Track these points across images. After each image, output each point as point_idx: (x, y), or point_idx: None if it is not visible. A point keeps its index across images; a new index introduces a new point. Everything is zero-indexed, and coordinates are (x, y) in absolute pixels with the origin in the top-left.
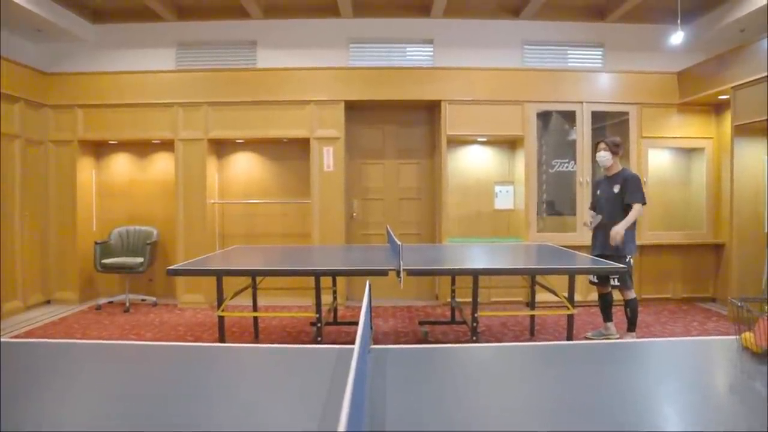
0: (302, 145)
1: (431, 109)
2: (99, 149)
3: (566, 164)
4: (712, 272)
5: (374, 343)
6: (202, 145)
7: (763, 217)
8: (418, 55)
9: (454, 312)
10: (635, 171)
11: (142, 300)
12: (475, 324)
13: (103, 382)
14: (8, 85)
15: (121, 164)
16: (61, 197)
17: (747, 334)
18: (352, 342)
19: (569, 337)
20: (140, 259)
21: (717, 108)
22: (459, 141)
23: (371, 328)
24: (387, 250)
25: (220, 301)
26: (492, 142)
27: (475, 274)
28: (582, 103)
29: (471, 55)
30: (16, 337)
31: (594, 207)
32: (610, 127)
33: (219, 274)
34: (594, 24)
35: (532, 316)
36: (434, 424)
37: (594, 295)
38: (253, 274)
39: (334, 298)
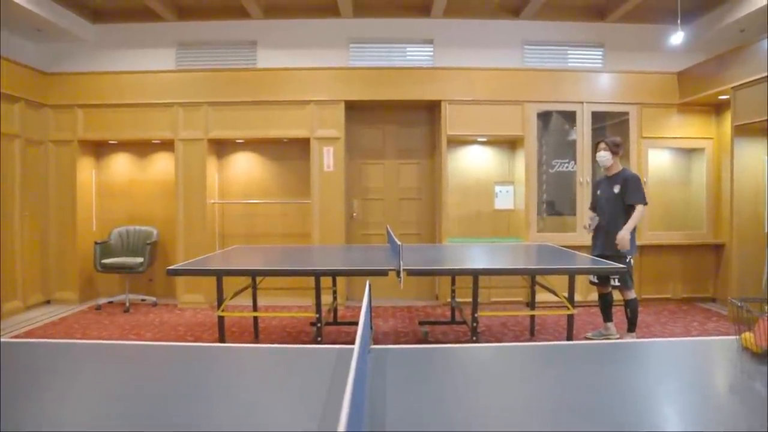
0: (302, 145)
1: (431, 109)
2: (99, 149)
3: (566, 164)
4: (712, 272)
5: (374, 343)
6: (202, 145)
7: (763, 218)
8: (418, 55)
9: (454, 312)
10: (635, 171)
11: (142, 300)
12: (475, 324)
13: (103, 382)
14: (8, 85)
15: (121, 164)
16: (61, 197)
17: (747, 335)
18: (352, 342)
19: (569, 338)
20: (140, 259)
21: (717, 108)
22: (459, 141)
23: (371, 328)
24: (387, 250)
25: (220, 301)
26: (492, 142)
27: (475, 274)
28: (582, 103)
29: (471, 55)
30: (15, 337)
31: (594, 207)
32: (610, 128)
33: (219, 274)
34: (594, 24)
35: (532, 316)
36: (434, 424)
37: (594, 296)
38: (253, 274)
39: (334, 298)
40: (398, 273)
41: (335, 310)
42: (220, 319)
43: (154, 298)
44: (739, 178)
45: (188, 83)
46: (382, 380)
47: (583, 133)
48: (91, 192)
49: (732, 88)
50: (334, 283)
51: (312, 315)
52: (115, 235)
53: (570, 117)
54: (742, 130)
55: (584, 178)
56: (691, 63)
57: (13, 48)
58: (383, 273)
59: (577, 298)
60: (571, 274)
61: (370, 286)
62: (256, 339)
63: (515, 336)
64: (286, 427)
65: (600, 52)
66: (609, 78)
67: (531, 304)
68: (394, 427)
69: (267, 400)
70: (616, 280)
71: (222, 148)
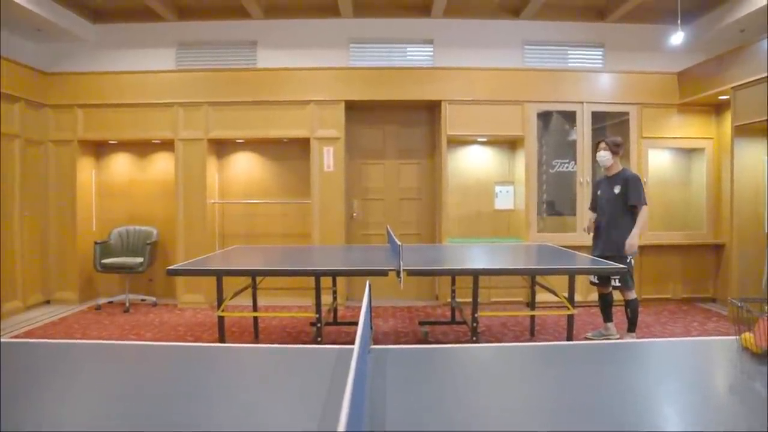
0: (302, 145)
1: (431, 109)
2: (99, 149)
3: (566, 164)
4: (712, 272)
5: (374, 344)
6: (202, 145)
7: (763, 218)
8: (418, 55)
9: (454, 312)
10: (635, 171)
11: (142, 300)
12: (475, 324)
13: (103, 382)
14: (8, 85)
15: (121, 164)
16: (61, 197)
17: (747, 335)
18: (352, 342)
19: (569, 338)
20: (140, 259)
21: (717, 108)
22: (459, 141)
23: (371, 328)
24: (387, 251)
25: (220, 301)
26: (492, 142)
27: (475, 274)
28: (582, 103)
29: (471, 55)
30: (15, 337)
31: (594, 207)
32: (610, 128)
33: (219, 274)
34: (594, 24)
35: (532, 317)
36: (434, 425)
37: (594, 296)
38: (253, 274)
39: (334, 299)
40: (398, 273)
41: (335, 310)
42: (220, 319)
43: (154, 298)
44: (739, 179)
45: (188, 83)
46: (382, 380)
47: (583, 133)
48: (91, 192)
49: (732, 88)
50: (334, 283)
51: (312, 315)
52: (115, 235)
53: (570, 117)
54: (742, 131)
55: (584, 178)
56: (691, 63)
57: (13, 48)
58: (383, 273)
59: (577, 298)
60: (571, 274)
61: (370, 286)
62: (256, 339)
63: (515, 336)
64: (286, 427)
65: (600, 52)
66: (609, 78)
67: (531, 305)
68: (394, 427)
69: (267, 400)
70: (617, 280)
71: (222, 148)
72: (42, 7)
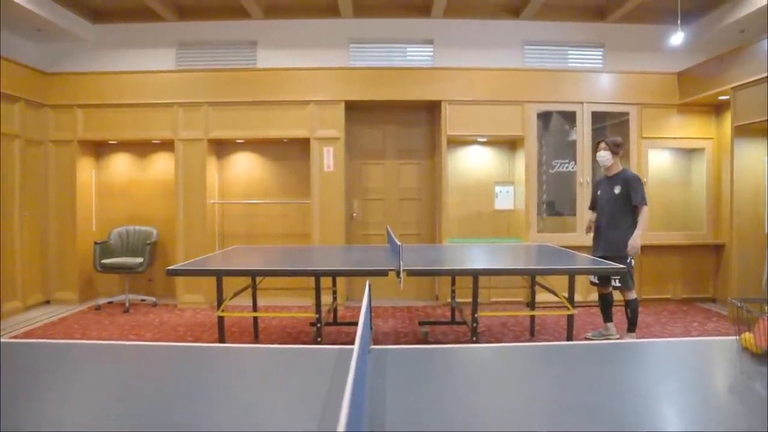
0: (302, 145)
1: (431, 110)
2: (99, 149)
3: (566, 164)
4: (712, 273)
5: (374, 344)
6: (202, 145)
7: (763, 218)
8: (418, 55)
9: (454, 312)
10: (635, 171)
11: (142, 300)
12: (475, 324)
13: (103, 382)
14: (8, 85)
15: (121, 164)
16: (61, 197)
17: (747, 335)
18: (352, 342)
19: (569, 338)
20: (140, 259)
21: (717, 108)
22: (459, 141)
23: (371, 328)
24: (387, 251)
25: (220, 301)
26: (492, 142)
27: (475, 274)
28: (582, 103)
29: (471, 55)
30: (15, 337)
31: (593, 206)
32: (610, 128)
33: (219, 275)
34: (594, 24)
35: (532, 317)
36: (434, 425)
37: (594, 296)
38: (253, 274)
39: (334, 299)
40: (398, 273)
41: (335, 311)
42: (220, 319)
43: (153, 299)
44: (739, 179)
45: (188, 83)
46: (382, 380)
47: (583, 133)
48: (91, 192)
49: (732, 88)
50: (334, 284)
51: (312, 315)
52: (115, 235)
53: (570, 117)
54: (742, 131)
55: (584, 178)
56: (691, 63)
57: (13, 48)
58: (383, 273)
59: (577, 298)
60: (571, 274)
61: (370, 286)
62: (256, 339)
63: (515, 336)
64: (286, 427)
65: (600, 53)
66: (609, 78)
67: (531, 305)
68: (394, 427)
69: (267, 400)
70: (617, 280)
71: (222, 148)
72: (42, 7)
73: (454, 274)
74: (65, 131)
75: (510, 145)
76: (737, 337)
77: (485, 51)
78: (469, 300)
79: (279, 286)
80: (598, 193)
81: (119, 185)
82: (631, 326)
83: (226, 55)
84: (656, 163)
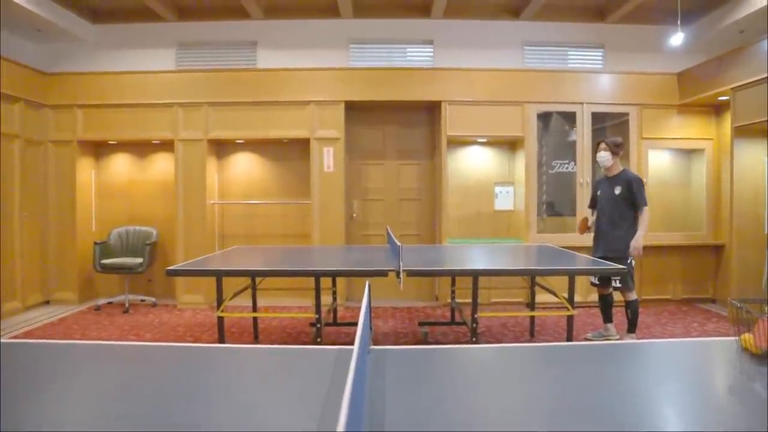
0: (302, 146)
1: (431, 110)
2: (99, 149)
3: (566, 165)
4: (712, 273)
5: (374, 344)
6: (202, 146)
7: (763, 219)
8: (418, 55)
9: (453, 313)
10: (635, 172)
11: (142, 300)
12: (474, 325)
13: (103, 382)
14: (8, 85)
15: (120, 164)
16: (61, 197)
17: (746, 336)
18: (352, 343)
19: (569, 338)
20: (140, 260)
21: (717, 109)
22: (459, 142)
23: (371, 328)
24: (387, 251)
25: (220, 301)
26: (492, 142)
27: (475, 274)
28: (582, 103)
29: (471, 55)
30: (14, 337)
31: (593, 205)
32: (610, 128)
33: (219, 275)
34: (594, 25)
35: (532, 317)
36: (434, 425)
37: (594, 296)
38: (253, 274)
39: (334, 299)
40: (398, 274)
41: (335, 311)
42: (220, 319)
43: (153, 299)
44: (739, 179)
45: (188, 83)
46: (382, 381)
47: (583, 133)
48: (91, 192)
49: (732, 89)
50: (334, 284)
51: (312, 316)
52: (115, 236)
53: (570, 118)
54: (741, 131)
55: (584, 178)
56: (691, 64)
57: (13, 48)
58: (383, 274)
59: (577, 299)
60: (571, 274)
61: (369, 286)
62: (256, 340)
63: (515, 337)
64: (286, 428)
65: (600, 53)
66: (609, 79)
67: (531, 305)
68: (394, 427)
69: (267, 401)
70: (618, 281)
71: (222, 148)
72: (42, 7)
73: (453, 275)
74: (65, 131)
75: (510, 145)
76: (737, 338)
77: (485, 51)
78: (469, 300)
79: (279, 286)
80: (598, 193)
81: (119, 185)
82: (631, 327)
83: (226, 56)
84: (656, 164)
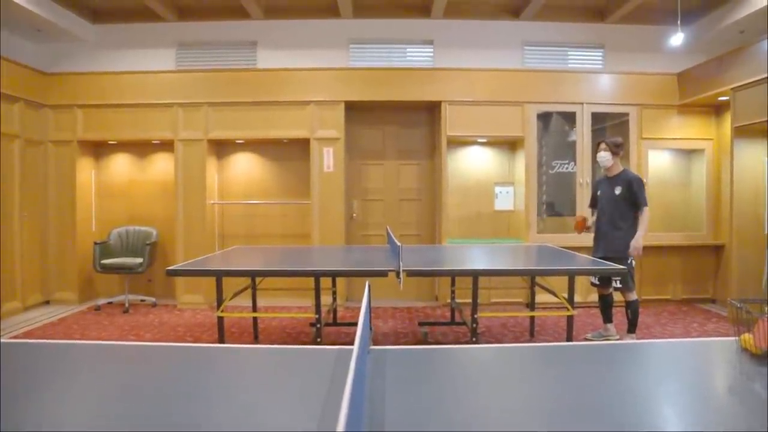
0: (302, 146)
1: (431, 110)
2: (98, 149)
3: (566, 165)
4: (712, 273)
5: (374, 344)
6: (202, 146)
7: (763, 219)
8: (418, 55)
9: (453, 313)
10: (635, 172)
11: (142, 300)
12: (474, 325)
13: (103, 382)
14: (8, 85)
15: (120, 164)
16: (61, 197)
17: (746, 336)
18: (352, 343)
19: (569, 338)
20: (140, 260)
21: (717, 109)
22: (459, 142)
23: (371, 328)
24: (387, 251)
25: (220, 301)
26: (492, 143)
27: (475, 275)
28: (582, 104)
29: (471, 55)
30: (14, 337)
31: (593, 204)
32: (610, 128)
33: (218, 275)
34: (594, 25)
35: (532, 317)
36: (434, 425)
37: (594, 296)
38: (253, 274)
39: (334, 299)
40: (398, 274)
41: (335, 311)
42: (220, 319)
43: (153, 299)
44: (739, 180)
45: (188, 83)
46: (382, 381)
47: (583, 134)
48: (91, 192)
49: (732, 89)
50: (334, 284)
51: (311, 316)
52: (115, 236)
53: (570, 118)
54: (742, 132)
55: (584, 179)
56: (691, 64)
57: (13, 48)
58: (383, 274)
59: (577, 299)
60: (571, 275)
61: (369, 286)
62: (256, 340)
63: (515, 337)
64: (286, 427)
65: (600, 53)
66: (609, 79)
67: (531, 305)
68: (394, 427)
69: (267, 401)
70: (618, 281)
71: (222, 148)
72: (42, 7)
73: (453, 275)
74: (65, 131)
75: (510, 145)
76: (737, 338)
77: (485, 51)
78: (469, 301)
79: (279, 286)
80: (598, 193)
81: (119, 185)
82: (631, 327)
83: (226, 56)
84: (656, 164)
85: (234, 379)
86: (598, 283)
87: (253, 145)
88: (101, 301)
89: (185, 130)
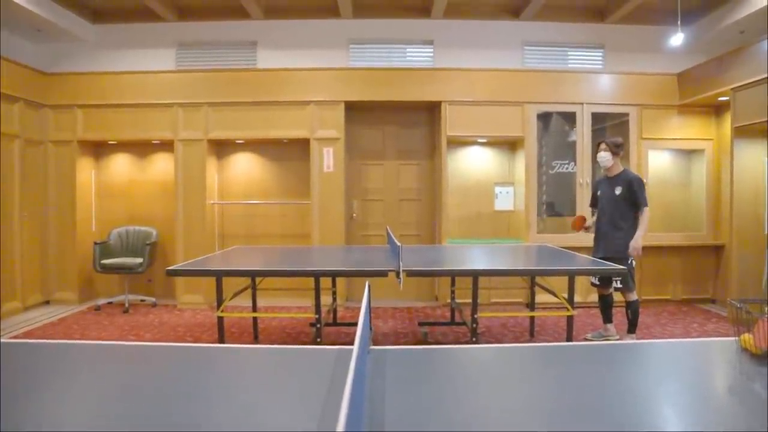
0: (302, 146)
1: (431, 110)
2: (98, 149)
3: (566, 165)
4: (712, 274)
5: (374, 344)
6: (201, 146)
7: (763, 219)
8: (418, 55)
9: (453, 313)
10: (635, 172)
11: (142, 300)
12: (474, 325)
13: (103, 382)
14: (8, 85)
15: (120, 164)
16: (61, 197)
17: (746, 336)
18: (352, 343)
19: (569, 339)
20: (140, 260)
21: (717, 109)
22: (459, 142)
23: (370, 328)
24: (387, 251)
25: (220, 301)
26: (492, 143)
27: (475, 275)
28: (582, 104)
29: (471, 55)
30: (14, 337)
31: (593, 204)
32: (610, 129)
33: (218, 275)
34: (594, 25)
35: (532, 317)
36: (433, 425)
37: (594, 297)
38: (253, 274)
39: (334, 299)
40: (398, 274)
41: (335, 311)
42: (220, 319)
43: (153, 299)
44: (739, 180)
45: (188, 83)
46: (382, 381)
47: (583, 134)
48: (91, 192)
49: (732, 89)
50: (334, 284)
51: (311, 316)
52: (115, 236)
53: (570, 118)
54: (742, 132)
55: (584, 179)
56: (691, 64)
57: (13, 48)
58: (383, 274)
59: (577, 299)
60: (571, 275)
61: (369, 286)
62: (256, 340)
63: (515, 337)
64: (286, 427)
65: (600, 53)
66: (609, 79)
67: (531, 305)
68: (394, 427)
69: (267, 401)
70: (618, 281)
71: (222, 148)
72: (42, 7)
73: (453, 275)
74: (65, 131)
75: (510, 145)
76: (737, 338)
77: (485, 51)
78: (469, 301)
79: (278, 286)
80: (598, 193)
81: (119, 185)
82: (632, 327)
83: (226, 56)
84: (656, 164)
85: (234, 379)
86: (598, 283)
87: (253, 145)
88: (101, 301)
89: (185, 130)
